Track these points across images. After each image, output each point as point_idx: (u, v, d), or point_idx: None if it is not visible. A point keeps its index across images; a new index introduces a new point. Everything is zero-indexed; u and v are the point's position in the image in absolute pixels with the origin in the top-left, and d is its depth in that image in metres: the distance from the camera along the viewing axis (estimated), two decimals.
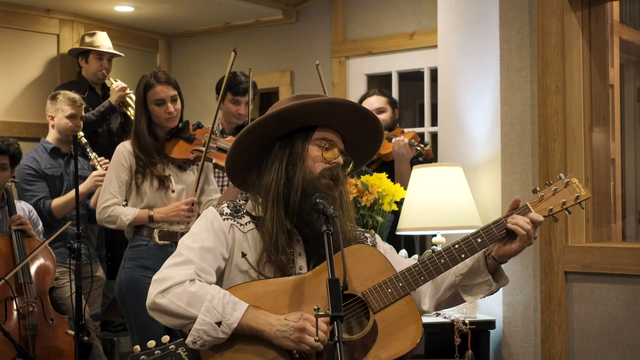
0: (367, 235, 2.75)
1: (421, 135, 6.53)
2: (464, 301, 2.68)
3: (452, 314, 4.14)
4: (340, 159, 2.59)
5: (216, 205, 2.66)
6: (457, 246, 2.57)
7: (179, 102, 4.37)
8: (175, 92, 4.36)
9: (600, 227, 4.07)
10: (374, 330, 2.45)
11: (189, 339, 2.42)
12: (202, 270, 2.51)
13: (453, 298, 2.69)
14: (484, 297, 2.64)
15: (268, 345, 2.41)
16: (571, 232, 3.94)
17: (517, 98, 4.13)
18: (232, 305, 2.42)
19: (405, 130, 5.47)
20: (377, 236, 2.78)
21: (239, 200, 2.69)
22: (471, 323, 4.00)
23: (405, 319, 2.48)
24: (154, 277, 2.52)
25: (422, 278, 2.53)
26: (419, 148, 4.84)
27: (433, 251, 4.28)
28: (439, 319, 4.10)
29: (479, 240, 2.56)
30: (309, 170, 2.56)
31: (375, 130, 2.70)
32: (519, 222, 2.54)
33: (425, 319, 4.10)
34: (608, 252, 3.80)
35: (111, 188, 4.27)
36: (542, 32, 4.02)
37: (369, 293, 2.48)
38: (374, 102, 5.17)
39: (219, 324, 2.40)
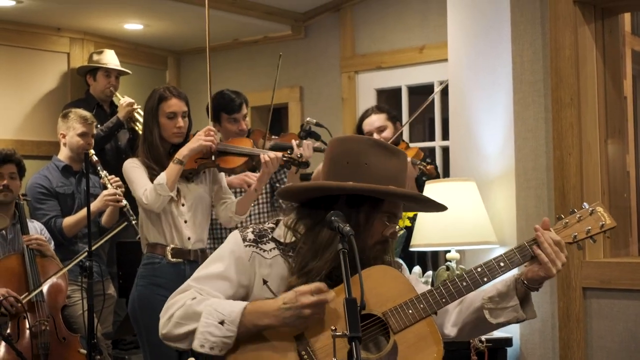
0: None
1: (432, 149, 6.51)
2: (489, 328, 2.63)
3: None
4: (397, 236, 2.59)
5: (241, 230, 2.61)
6: (479, 269, 2.54)
7: (187, 119, 4.36)
8: (186, 109, 4.35)
9: (618, 242, 4.04)
10: (393, 351, 2.41)
11: (195, 343, 2.40)
12: (206, 292, 2.49)
13: (477, 321, 2.62)
14: (509, 323, 2.58)
15: (285, 339, 2.40)
16: (588, 247, 3.91)
17: (530, 112, 4.10)
18: (231, 304, 2.42)
19: (411, 144, 5.44)
20: (404, 265, 2.77)
21: (267, 224, 2.64)
22: (488, 340, 3.96)
23: (426, 341, 2.44)
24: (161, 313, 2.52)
25: (443, 300, 2.50)
26: (421, 167, 4.79)
27: (447, 267, 4.25)
28: None
29: (502, 264, 2.54)
30: (366, 238, 2.51)
31: (438, 210, 2.66)
32: (543, 245, 2.52)
33: None
34: (627, 268, 3.77)
35: (140, 180, 4.21)
36: (555, 45, 4.00)
37: (389, 313, 2.45)
38: (374, 122, 5.10)
39: (222, 322, 2.38)
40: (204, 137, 4.24)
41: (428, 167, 4.82)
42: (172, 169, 4.18)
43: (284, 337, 2.42)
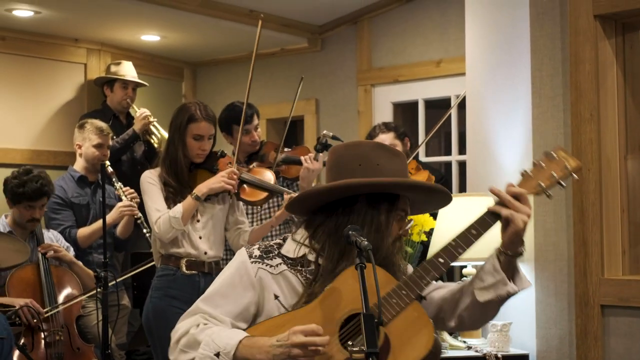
0: (403, 269, 2.69)
1: (448, 164, 6.48)
2: (484, 310, 2.54)
3: (484, 347, 4.06)
4: (408, 231, 2.59)
5: (248, 247, 2.62)
6: (453, 243, 2.48)
7: (212, 140, 4.35)
8: (214, 131, 4.35)
9: (637, 259, 3.99)
10: (386, 343, 2.38)
11: None
12: (212, 316, 2.51)
13: (472, 307, 2.55)
14: (502, 299, 2.48)
15: None
16: (607, 264, 3.87)
17: (549, 127, 4.08)
18: (229, 335, 2.42)
19: (427, 159, 5.40)
20: (410, 265, 2.71)
21: (274, 241, 2.64)
22: (504, 357, 3.94)
23: (415, 326, 2.41)
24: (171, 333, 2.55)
25: (423, 281, 2.45)
26: None
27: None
28: (471, 353, 4.03)
29: (473, 231, 2.47)
30: (386, 238, 2.51)
31: (444, 204, 2.65)
32: (499, 196, 2.47)
33: (457, 353, 4.04)
34: None
35: (156, 205, 4.20)
36: (575, 59, 3.97)
37: (374, 307, 2.38)
38: (383, 141, 5.07)
39: (217, 355, 2.38)
40: (227, 179, 4.22)
41: None
42: (189, 204, 4.17)
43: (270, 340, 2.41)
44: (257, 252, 2.57)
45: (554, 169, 2.48)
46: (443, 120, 5.13)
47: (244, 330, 2.47)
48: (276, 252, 2.58)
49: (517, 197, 2.46)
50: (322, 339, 2.32)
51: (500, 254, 2.49)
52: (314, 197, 2.57)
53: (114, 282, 4.44)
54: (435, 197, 2.62)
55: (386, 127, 5.18)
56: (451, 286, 2.64)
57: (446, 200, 2.62)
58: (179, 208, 4.14)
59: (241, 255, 2.58)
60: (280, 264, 2.55)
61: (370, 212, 2.49)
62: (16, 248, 2.26)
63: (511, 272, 2.49)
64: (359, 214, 2.50)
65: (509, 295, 2.49)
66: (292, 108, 4.79)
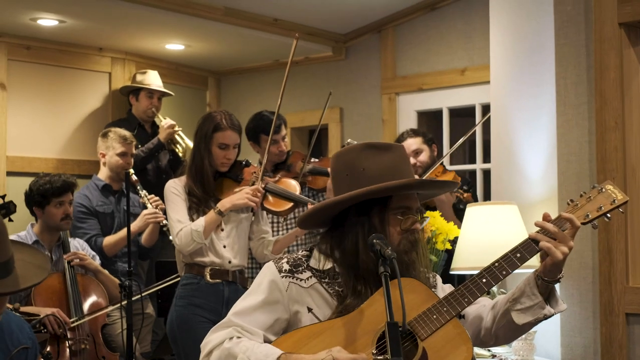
0: (428, 276, 2.70)
1: (473, 172, 6.46)
2: (522, 329, 2.58)
3: (509, 355, 4.04)
4: (418, 225, 2.56)
5: (276, 261, 2.62)
6: (497, 264, 2.52)
7: (237, 149, 4.37)
8: (239, 140, 4.36)
9: None
10: (423, 358, 2.41)
11: None
12: (245, 329, 2.50)
13: (509, 325, 2.59)
14: (538, 321, 2.53)
15: None
16: (632, 273, 3.84)
17: (574, 135, 4.05)
18: (265, 354, 2.41)
19: (452, 167, 5.39)
20: (438, 277, 2.74)
21: (301, 252, 2.65)
22: None
23: (454, 342, 2.44)
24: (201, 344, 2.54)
25: (465, 300, 2.49)
26: (458, 194, 4.76)
27: (488, 292, 4.20)
28: None
29: (518, 255, 2.52)
30: (388, 238, 2.51)
31: (449, 188, 2.68)
32: (545, 227, 2.51)
33: None
34: None
35: (178, 216, 4.23)
36: (599, 67, 3.95)
37: (414, 322, 2.44)
38: (410, 145, 5.11)
39: None
40: (251, 196, 4.23)
41: (465, 195, 4.79)
42: (212, 218, 4.19)
43: None
44: (286, 267, 2.58)
45: (602, 201, 2.56)
46: (469, 135, 5.12)
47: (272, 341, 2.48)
48: (305, 265, 2.59)
49: (569, 221, 2.51)
50: None
51: (538, 278, 2.52)
52: (315, 215, 2.61)
53: (139, 296, 4.45)
54: (434, 186, 2.71)
55: (414, 132, 5.20)
56: (484, 302, 2.66)
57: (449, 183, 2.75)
58: (201, 222, 4.16)
59: (270, 269, 2.58)
60: (310, 277, 2.56)
61: (361, 219, 2.52)
62: (38, 263, 2.27)
63: (547, 294, 2.54)
64: (351, 224, 2.53)
65: (546, 317, 2.54)
66: (319, 122, 4.77)
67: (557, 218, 2.54)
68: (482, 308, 2.63)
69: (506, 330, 2.60)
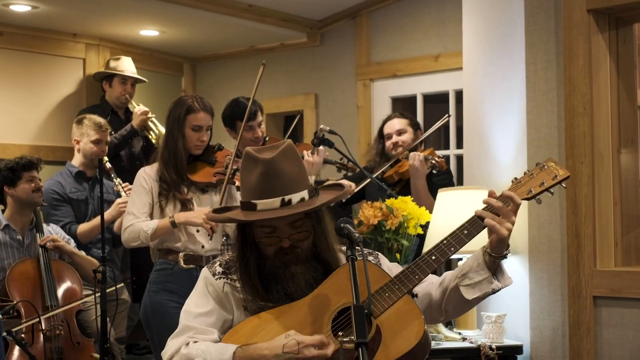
0: (370, 258, 2.73)
1: (446, 157, 6.50)
2: (469, 303, 2.62)
3: (479, 338, 4.09)
4: (286, 242, 2.56)
5: (209, 266, 2.70)
6: (445, 241, 2.58)
7: (209, 132, 4.38)
8: (211, 123, 4.38)
9: (629, 251, 4.02)
10: (377, 334, 2.46)
11: None
12: (202, 332, 2.57)
13: (457, 301, 2.64)
14: (484, 295, 2.59)
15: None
16: (599, 256, 3.90)
17: (543, 120, 4.10)
18: (220, 352, 2.47)
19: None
20: (381, 255, 2.77)
21: (232, 255, 2.71)
22: (498, 348, 3.96)
23: (406, 318, 2.49)
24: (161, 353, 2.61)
25: (416, 277, 2.54)
26: (433, 161, 4.82)
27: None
28: (465, 344, 4.06)
29: (465, 232, 2.57)
30: (264, 253, 2.60)
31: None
32: (489, 202, 2.57)
33: (452, 344, 4.07)
34: (638, 277, 3.76)
35: (134, 210, 4.26)
36: (568, 53, 4.00)
37: (366, 301, 2.45)
38: (395, 125, 5.16)
39: None
40: (208, 220, 4.17)
41: (439, 159, 4.84)
42: (164, 225, 4.20)
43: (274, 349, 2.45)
44: (219, 269, 2.66)
45: (544, 177, 2.61)
46: (440, 125, 5.17)
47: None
48: (236, 267, 2.65)
49: (508, 199, 2.56)
50: (330, 348, 2.40)
51: (485, 254, 2.58)
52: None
53: (113, 288, 4.49)
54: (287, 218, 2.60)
55: (402, 115, 5.26)
56: (432, 279, 2.70)
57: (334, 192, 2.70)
58: (153, 224, 4.19)
59: (204, 274, 2.67)
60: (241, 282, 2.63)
61: (240, 233, 2.64)
62: None
63: (494, 269, 2.58)
64: (237, 233, 2.66)
65: (494, 292, 2.59)
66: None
67: (500, 195, 2.58)
68: (430, 285, 2.67)
69: (455, 305, 2.65)
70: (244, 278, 2.60)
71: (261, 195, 2.53)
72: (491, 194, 2.61)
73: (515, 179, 2.66)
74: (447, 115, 5.22)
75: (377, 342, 2.45)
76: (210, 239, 4.25)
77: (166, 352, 2.57)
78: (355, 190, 5.01)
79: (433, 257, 2.56)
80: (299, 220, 2.57)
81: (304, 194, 2.56)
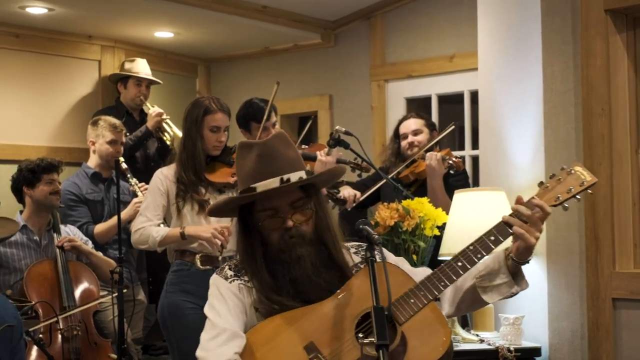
0: (390, 260, 2.70)
1: (462, 158, 6.48)
2: (485, 303, 2.63)
3: (497, 340, 4.08)
4: (289, 222, 2.54)
5: (218, 271, 2.65)
6: (471, 247, 2.53)
7: (227, 132, 4.39)
8: (229, 123, 4.38)
9: None
10: (402, 343, 2.42)
11: None
12: (234, 335, 2.48)
13: (473, 300, 2.63)
14: (503, 298, 2.58)
15: (295, 350, 2.42)
16: (618, 258, 3.89)
17: (561, 121, 4.09)
18: None
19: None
20: (385, 250, 2.66)
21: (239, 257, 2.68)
22: (516, 350, 3.95)
23: (432, 326, 2.46)
24: (198, 353, 2.50)
25: (442, 284, 2.51)
26: (450, 162, 4.81)
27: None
28: (483, 346, 4.05)
29: (492, 238, 2.53)
30: (268, 241, 2.57)
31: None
32: (519, 210, 2.53)
33: (469, 346, 4.06)
34: None
35: (147, 212, 4.27)
36: (586, 54, 3.98)
37: (392, 306, 2.42)
38: (411, 125, 5.16)
39: None
40: (217, 234, 4.15)
41: (456, 160, 4.83)
42: (174, 235, 4.21)
43: (293, 348, 2.43)
44: (230, 272, 2.61)
45: (572, 183, 2.58)
46: (445, 133, 5.16)
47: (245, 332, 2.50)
48: (245, 269, 2.62)
49: (540, 207, 2.52)
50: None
51: (508, 258, 2.54)
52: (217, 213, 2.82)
53: (127, 287, 4.50)
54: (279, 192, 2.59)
55: (419, 115, 5.26)
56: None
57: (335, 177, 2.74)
58: (163, 232, 4.20)
59: (217, 280, 2.61)
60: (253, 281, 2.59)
61: (241, 224, 2.62)
62: (4, 225, 2.39)
63: (514, 273, 2.56)
64: (239, 229, 2.63)
65: (512, 296, 2.58)
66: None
67: (528, 201, 2.55)
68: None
69: (469, 304, 2.64)
70: (250, 268, 2.56)
71: (260, 177, 2.52)
72: (519, 200, 2.57)
73: (542, 183, 2.62)
74: (452, 123, 5.21)
75: (401, 351, 2.41)
76: (221, 252, 4.23)
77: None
78: (370, 192, 5.01)
79: (459, 264, 2.52)
80: (300, 200, 2.56)
81: (302, 174, 2.56)
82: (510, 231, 2.52)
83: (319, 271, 2.52)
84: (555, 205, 2.56)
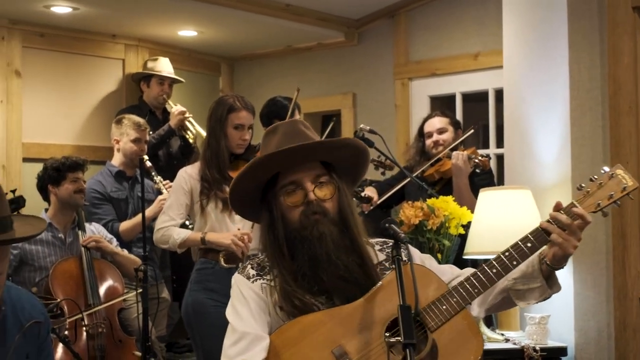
0: (417, 260, 2.64)
1: (487, 156, 6.45)
2: (515, 305, 2.60)
3: (522, 340, 4.06)
4: (311, 195, 2.50)
5: (240, 270, 2.60)
6: (507, 254, 2.48)
7: (251, 130, 4.39)
8: (253, 121, 4.38)
9: None
10: (433, 350, 2.37)
11: None
12: (257, 338, 2.43)
13: (504, 302, 2.60)
14: (536, 302, 2.54)
15: (324, 354, 2.36)
16: None
17: (587, 119, 4.06)
18: None
19: None
20: (411, 247, 2.59)
21: (261, 256, 2.62)
22: (542, 350, 3.92)
23: (464, 335, 2.40)
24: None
25: (475, 291, 2.46)
26: (476, 160, 4.79)
27: None
28: (509, 345, 4.02)
29: (529, 244, 2.47)
30: (290, 222, 2.51)
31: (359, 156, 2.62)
32: (558, 218, 2.45)
33: (494, 345, 4.04)
34: None
35: (170, 211, 4.29)
36: (613, 52, 3.95)
37: (423, 312, 2.40)
38: (435, 123, 5.15)
39: None
40: (237, 240, 4.17)
41: (482, 158, 4.82)
42: (194, 239, 4.24)
43: (320, 352, 2.37)
44: (252, 272, 2.55)
45: (613, 188, 2.49)
46: (465, 137, 5.15)
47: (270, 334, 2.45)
48: (268, 268, 2.56)
49: (580, 217, 2.45)
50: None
51: (543, 263, 2.50)
52: (234, 205, 2.70)
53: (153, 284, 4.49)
54: (341, 154, 2.57)
55: (443, 113, 5.25)
56: (455, 273, 2.62)
57: (358, 151, 2.61)
58: (184, 235, 4.23)
59: (239, 280, 2.56)
60: (277, 277, 2.52)
61: (264, 208, 2.57)
62: (32, 222, 2.43)
63: (547, 277, 2.52)
64: (262, 217, 2.59)
65: (545, 299, 2.55)
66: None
67: (568, 208, 2.48)
68: (459, 280, 2.55)
69: (499, 306, 2.61)
70: (275, 258, 2.51)
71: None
72: (558, 206, 2.50)
73: (581, 186, 2.52)
74: (472, 127, 5.19)
75: (432, 359, 2.36)
76: (241, 261, 4.23)
77: None
78: (394, 190, 5.01)
79: (494, 271, 2.47)
80: (323, 176, 2.53)
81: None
82: (548, 238, 2.46)
83: (339, 252, 2.45)
84: (594, 212, 2.49)
